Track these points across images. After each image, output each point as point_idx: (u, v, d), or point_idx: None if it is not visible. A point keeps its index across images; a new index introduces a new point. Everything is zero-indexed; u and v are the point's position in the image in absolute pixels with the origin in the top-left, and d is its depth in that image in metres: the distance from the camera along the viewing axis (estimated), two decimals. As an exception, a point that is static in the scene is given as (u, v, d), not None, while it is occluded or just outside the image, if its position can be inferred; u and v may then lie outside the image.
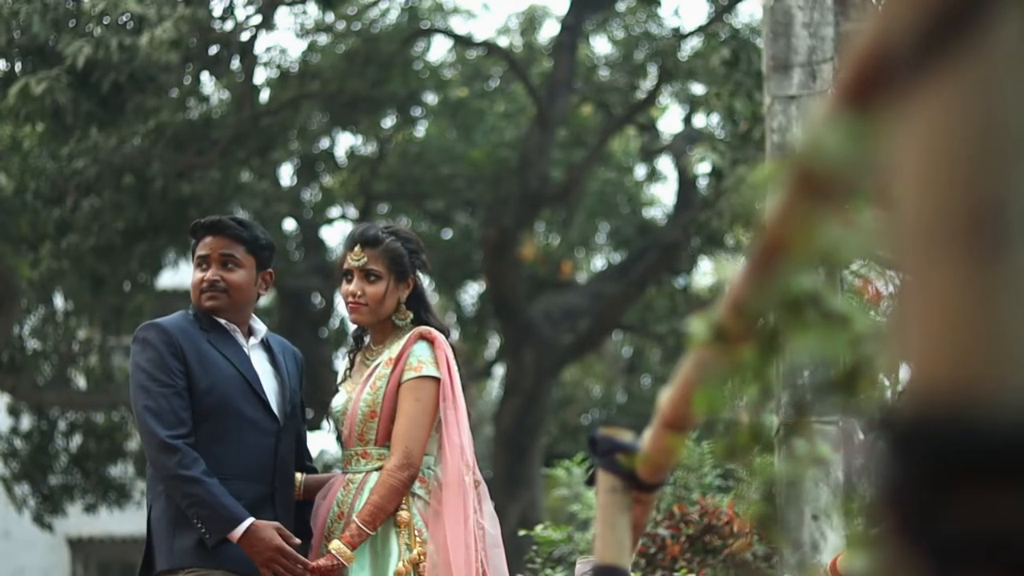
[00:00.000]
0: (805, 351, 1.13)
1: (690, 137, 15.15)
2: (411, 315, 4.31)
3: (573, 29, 14.95)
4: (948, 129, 0.69)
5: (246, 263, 4.24)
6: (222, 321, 4.22)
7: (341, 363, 4.58)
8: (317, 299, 16.59)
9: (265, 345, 4.31)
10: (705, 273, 16.71)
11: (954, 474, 0.67)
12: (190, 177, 12.66)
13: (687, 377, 1.51)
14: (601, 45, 16.92)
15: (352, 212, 16.97)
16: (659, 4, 14.75)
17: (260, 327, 4.32)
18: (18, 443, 15.08)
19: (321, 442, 24.30)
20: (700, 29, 14.07)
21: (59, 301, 14.80)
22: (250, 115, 13.17)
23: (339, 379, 4.50)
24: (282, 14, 15.04)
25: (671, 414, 1.63)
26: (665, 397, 1.64)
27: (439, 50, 32.57)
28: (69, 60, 10.90)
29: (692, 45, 14.49)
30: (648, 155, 17.69)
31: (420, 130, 16.86)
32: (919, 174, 0.69)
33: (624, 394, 21.16)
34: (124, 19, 11.26)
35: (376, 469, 4.19)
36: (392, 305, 4.29)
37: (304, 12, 14.31)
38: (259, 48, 13.64)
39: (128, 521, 17.45)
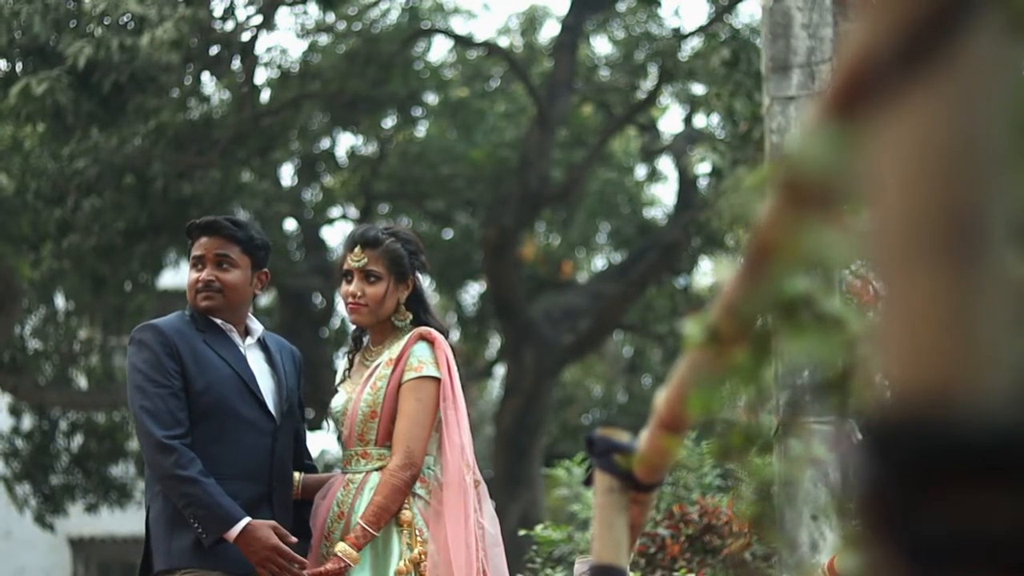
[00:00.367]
0: (799, 353, 1.14)
1: (690, 137, 15.16)
2: (411, 316, 4.33)
3: (573, 29, 14.95)
4: (926, 139, 0.70)
5: (241, 263, 4.24)
6: (218, 321, 4.23)
7: (341, 363, 4.59)
8: (318, 299, 16.58)
9: (262, 344, 4.31)
10: (705, 273, 16.71)
11: (931, 475, 0.69)
12: (191, 177, 12.66)
13: (682, 378, 1.52)
14: (601, 45, 16.94)
15: (353, 212, 16.96)
16: (659, 4, 14.75)
17: (257, 327, 4.33)
18: (19, 443, 15.09)
19: (322, 442, 24.29)
20: (700, 29, 14.06)
21: (60, 301, 14.80)
22: (251, 115, 13.17)
23: (338, 379, 4.51)
24: (283, 14, 15.06)
25: (667, 415, 1.64)
26: (661, 398, 1.66)
27: (439, 50, 32.56)
28: (70, 60, 10.90)
29: (692, 45, 14.48)
30: (648, 155, 17.68)
31: (420, 130, 16.85)
32: (899, 182, 0.71)
33: (625, 394, 21.16)
34: (125, 19, 11.26)
35: (376, 469, 4.20)
36: (392, 306, 4.30)
37: (305, 12, 14.32)
38: (260, 48, 13.67)
39: (129, 521, 17.43)
